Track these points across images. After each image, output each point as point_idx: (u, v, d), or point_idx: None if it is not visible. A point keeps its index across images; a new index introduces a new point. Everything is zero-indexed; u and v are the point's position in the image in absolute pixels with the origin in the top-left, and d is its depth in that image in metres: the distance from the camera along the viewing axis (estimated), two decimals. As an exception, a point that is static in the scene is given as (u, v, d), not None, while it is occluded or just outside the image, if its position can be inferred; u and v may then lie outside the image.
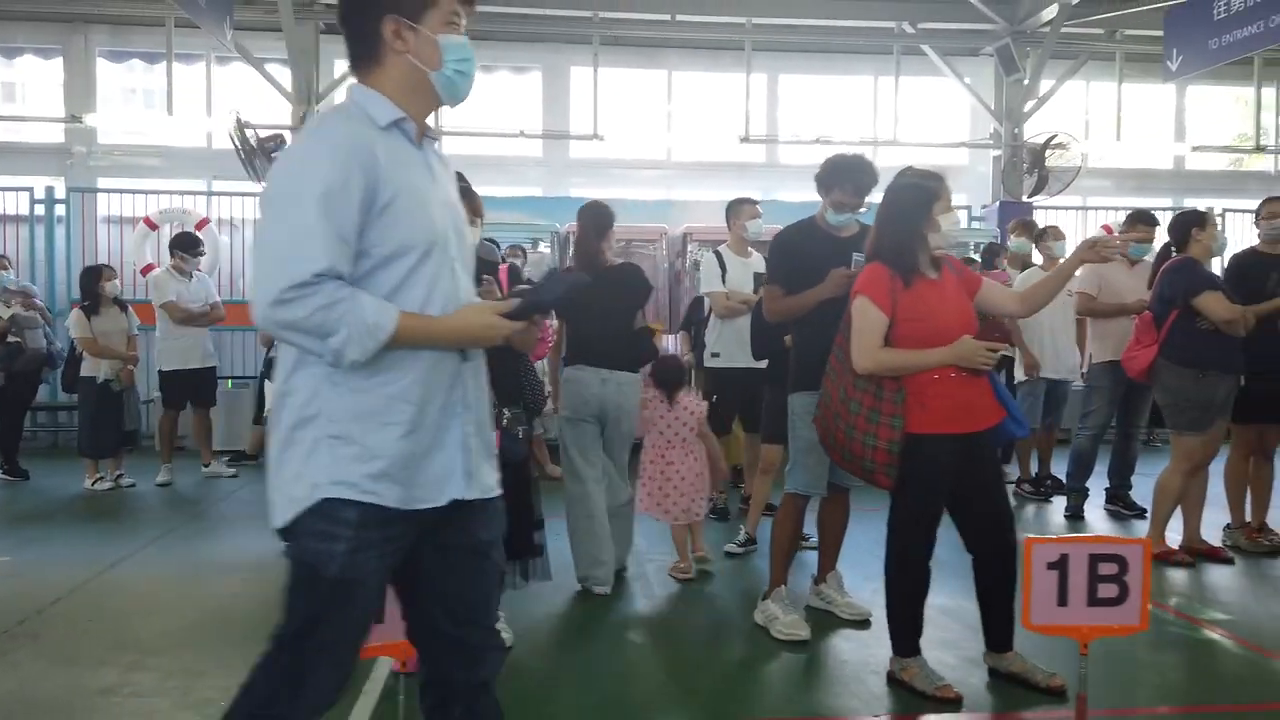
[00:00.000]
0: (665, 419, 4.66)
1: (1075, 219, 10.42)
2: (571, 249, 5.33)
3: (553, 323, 4.60)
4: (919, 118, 10.83)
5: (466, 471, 1.83)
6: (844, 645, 3.73)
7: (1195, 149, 10.71)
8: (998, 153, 10.11)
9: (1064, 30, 9.66)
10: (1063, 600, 2.71)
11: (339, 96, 10.12)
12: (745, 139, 10.09)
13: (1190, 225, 5.04)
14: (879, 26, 10.15)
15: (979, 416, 3.20)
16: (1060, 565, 2.71)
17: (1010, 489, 6.84)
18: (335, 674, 1.83)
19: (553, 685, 3.34)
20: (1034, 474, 6.75)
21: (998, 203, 9.91)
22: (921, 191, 3.24)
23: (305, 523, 1.72)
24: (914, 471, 3.14)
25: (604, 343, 4.41)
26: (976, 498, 3.26)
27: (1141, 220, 5.99)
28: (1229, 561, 4.94)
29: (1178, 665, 3.65)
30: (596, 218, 4.52)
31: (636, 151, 10.64)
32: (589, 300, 3.99)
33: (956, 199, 10.84)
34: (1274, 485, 5.25)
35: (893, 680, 3.28)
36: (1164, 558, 4.93)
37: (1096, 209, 10.45)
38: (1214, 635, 3.89)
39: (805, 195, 10.91)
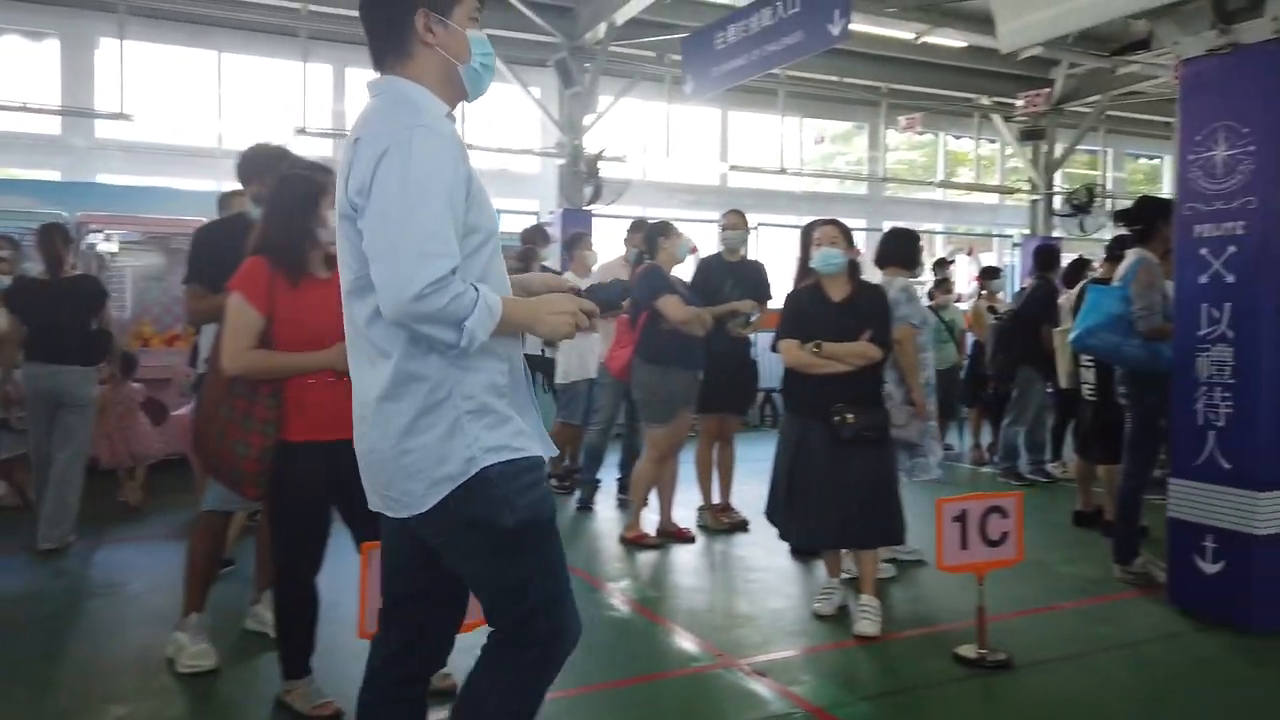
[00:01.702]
0: (116, 395, 6.06)
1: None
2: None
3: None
4: (496, 123, 11.03)
5: (542, 435, 1.97)
6: (258, 670, 3.48)
7: (733, 168, 11.97)
8: (563, 162, 10.53)
9: (620, 50, 10.31)
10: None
11: None
12: (302, 130, 9.56)
13: (658, 235, 5.48)
14: (445, 28, 10.11)
15: (364, 423, 3.11)
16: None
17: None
18: (573, 602, 1.94)
19: None
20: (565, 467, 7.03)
21: (562, 210, 10.31)
22: (309, 184, 3.08)
23: (486, 493, 1.79)
24: (289, 481, 2.97)
25: (58, 341, 5.11)
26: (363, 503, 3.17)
27: (635, 230, 6.46)
28: (691, 541, 5.44)
29: (592, 648, 3.86)
30: (62, 233, 5.34)
31: (182, 137, 9.69)
32: (46, 306, 5.11)
33: (529, 204, 11.46)
34: (734, 468, 5.86)
35: (280, 704, 3.10)
36: (637, 541, 5.32)
37: (654, 220, 11.26)
38: (638, 614, 4.19)
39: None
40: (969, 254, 13.23)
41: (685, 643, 3.82)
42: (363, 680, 2.04)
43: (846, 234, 4.24)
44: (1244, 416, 3.79)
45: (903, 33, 9.94)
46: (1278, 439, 3.76)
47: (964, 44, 10.72)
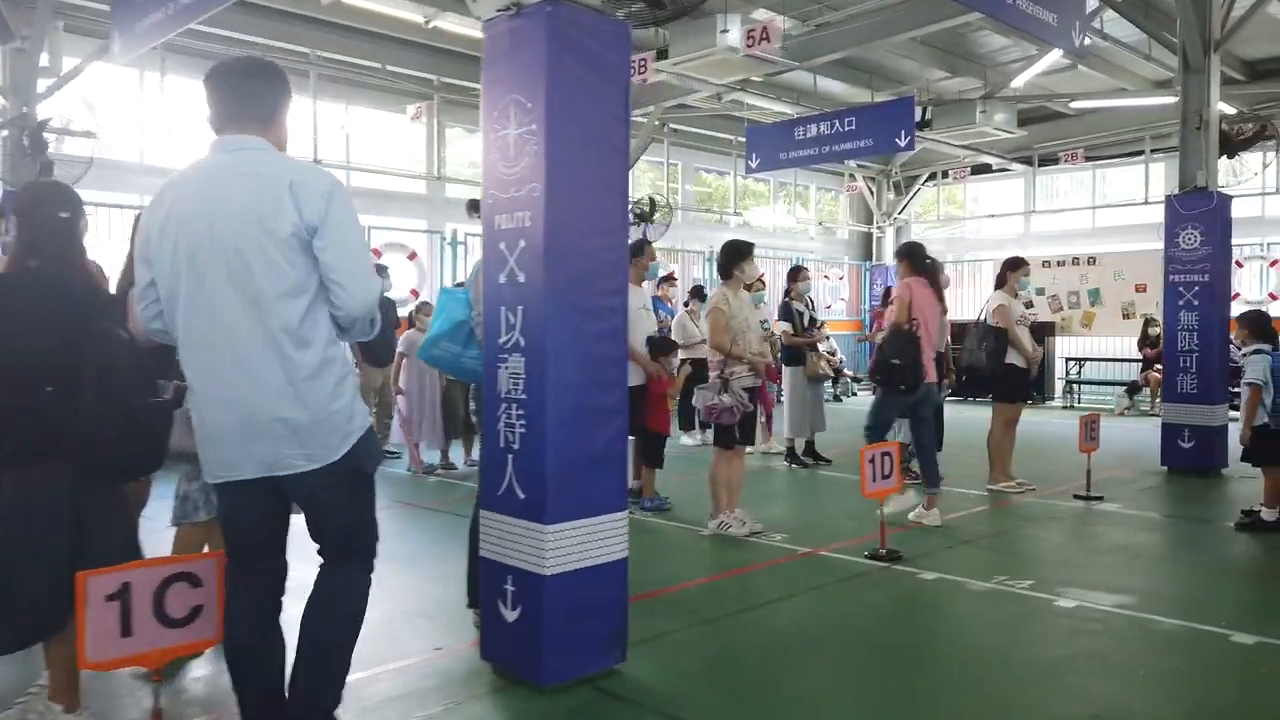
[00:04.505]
0: None
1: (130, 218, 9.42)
2: None
3: None
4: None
5: None
6: None
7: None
8: (5, 133, 8.52)
9: (83, 4, 8.56)
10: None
11: None
12: None
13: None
14: None
15: None
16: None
17: None
18: None
19: None
20: None
21: (3, 190, 8.31)
22: None
23: (364, 446, 2.56)
24: None
25: None
26: None
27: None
28: None
29: None
30: None
31: None
32: None
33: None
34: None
35: None
36: None
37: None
38: None
39: None
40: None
41: None
42: (239, 625, 2.56)
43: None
44: (535, 438, 3.27)
45: (410, 14, 9.18)
46: (566, 465, 3.27)
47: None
